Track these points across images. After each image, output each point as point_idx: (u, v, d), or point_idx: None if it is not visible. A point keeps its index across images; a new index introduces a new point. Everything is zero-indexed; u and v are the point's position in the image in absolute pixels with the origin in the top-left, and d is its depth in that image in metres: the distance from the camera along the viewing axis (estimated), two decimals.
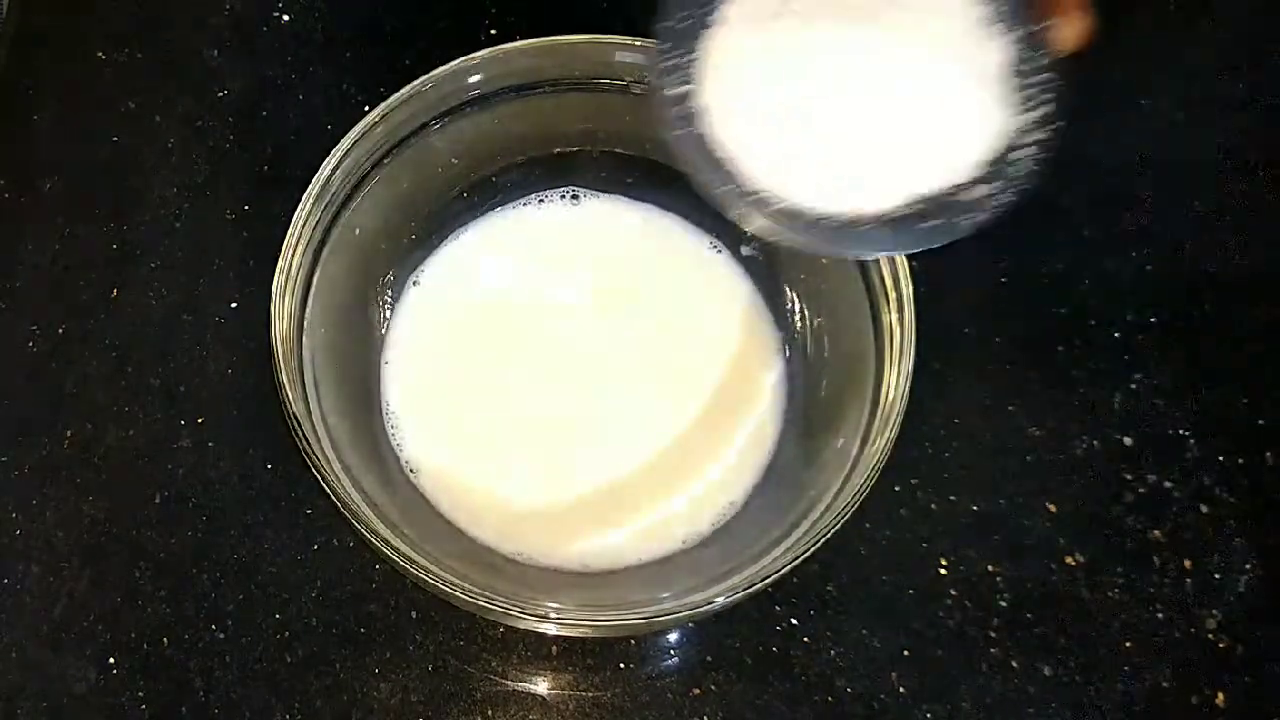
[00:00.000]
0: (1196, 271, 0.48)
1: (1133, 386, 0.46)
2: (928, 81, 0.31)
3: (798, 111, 0.31)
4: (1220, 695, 0.42)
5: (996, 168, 0.31)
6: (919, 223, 0.31)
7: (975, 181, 0.31)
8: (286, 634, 0.42)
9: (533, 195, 0.46)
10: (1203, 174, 0.50)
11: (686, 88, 0.32)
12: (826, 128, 0.31)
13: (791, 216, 0.32)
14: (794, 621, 0.43)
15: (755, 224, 0.32)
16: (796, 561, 0.35)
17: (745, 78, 0.31)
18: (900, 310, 0.38)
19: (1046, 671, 0.42)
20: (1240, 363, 0.47)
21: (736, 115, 0.31)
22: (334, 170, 0.40)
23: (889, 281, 0.39)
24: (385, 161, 0.41)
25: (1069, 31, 0.32)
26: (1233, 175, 0.50)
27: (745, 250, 0.44)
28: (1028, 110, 0.31)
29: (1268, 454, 0.45)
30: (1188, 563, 0.43)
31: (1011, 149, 0.31)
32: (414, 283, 0.45)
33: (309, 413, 0.37)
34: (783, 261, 0.45)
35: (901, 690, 0.42)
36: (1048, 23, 0.32)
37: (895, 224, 0.31)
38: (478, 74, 0.41)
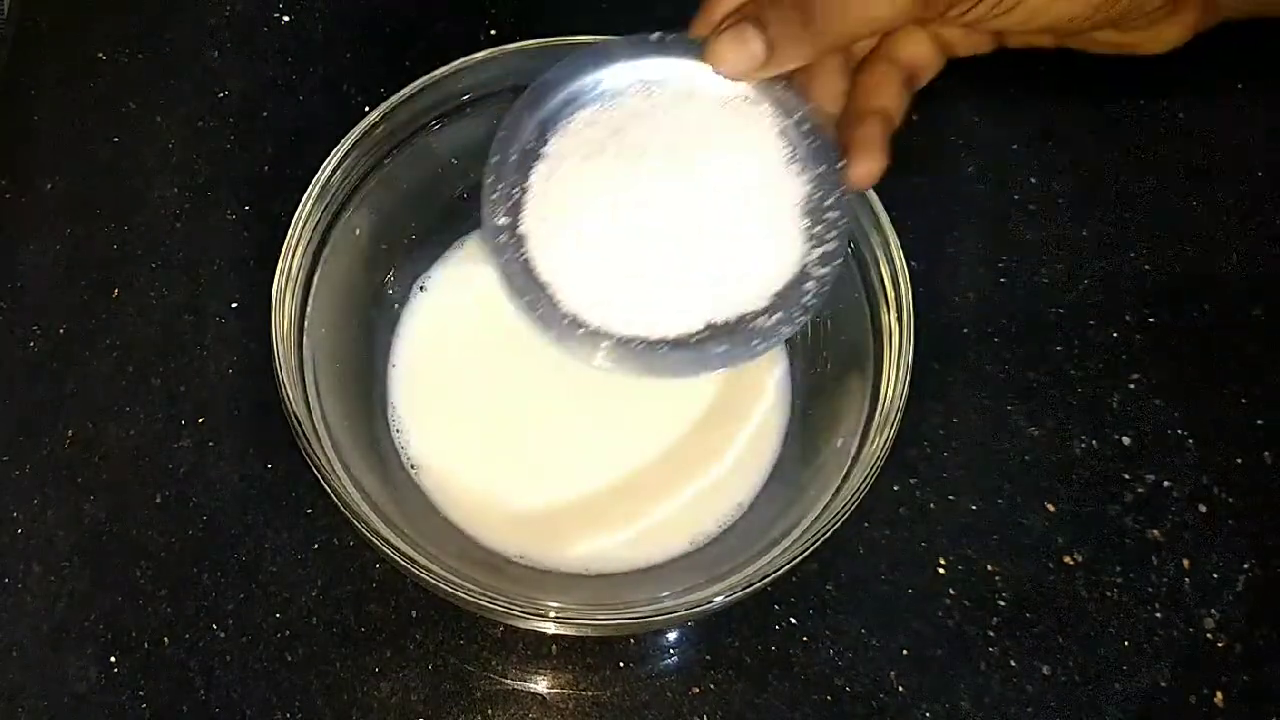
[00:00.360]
0: (1196, 271, 0.48)
1: (1131, 386, 0.46)
2: (731, 218, 0.33)
3: (609, 241, 0.33)
4: (1219, 695, 0.42)
5: (785, 298, 0.34)
6: (715, 348, 0.34)
7: (767, 310, 0.34)
8: (286, 634, 0.43)
9: None
10: (1202, 173, 0.50)
11: (510, 218, 0.34)
12: (635, 258, 0.33)
13: (601, 339, 0.34)
14: (793, 621, 0.43)
15: (569, 346, 0.34)
16: (795, 561, 0.35)
17: (563, 209, 0.34)
18: (899, 310, 0.38)
19: (1045, 671, 0.42)
20: (1240, 363, 0.47)
21: (554, 243, 0.34)
22: (334, 170, 0.40)
23: (888, 282, 0.39)
24: (385, 161, 0.42)
25: (862, 170, 0.34)
26: (1232, 175, 0.50)
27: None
28: (817, 246, 0.34)
29: (1267, 454, 0.45)
30: (1186, 562, 0.44)
31: (799, 281, 0.34)
32: (420, 287, 0.46)
33: (309, 413, 0.37)
34: None
35: (901, 689, 0.42)
36: (842, 163, 0.34)
37: (694, 348, 0.34)
38: (478, 74, 0.41)
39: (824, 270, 0.34)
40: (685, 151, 0.33)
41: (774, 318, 0.34)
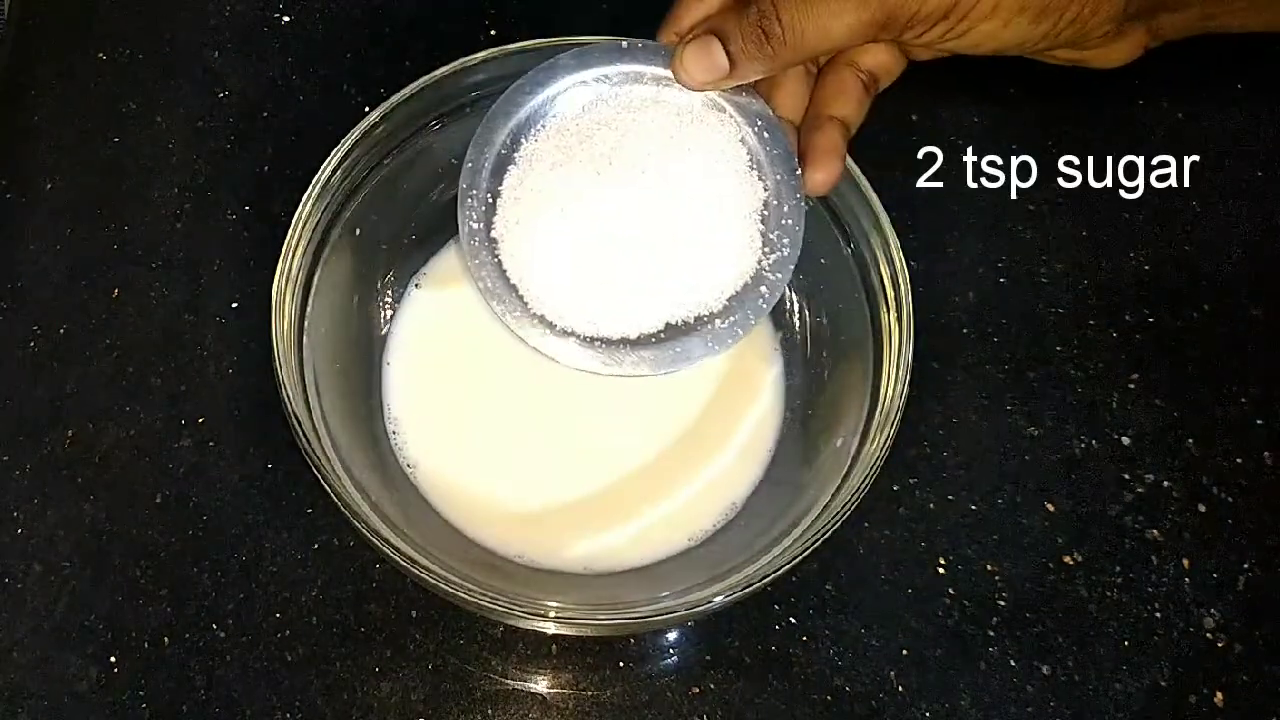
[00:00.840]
0: (1196, 271, 0.48)
1: (1131, 386, 0.46)
2: (692, 224, 0.35)
3: (576, 246, 0.35)
4: (1218, 694, 0.42)
5: (740, 301, 0.36)
6: (674, 347, 0.36)
7: (722, 313, 0.36)
8: (287, 633, 0.43)
9: None
10: (1202, 173, 0.50)
11: (483, 222, 0.36)
12: (600, 262, 0.35)
13: (567, 338, 0.36)
14: (793, 621, 0.43)
15: (537, 345, 0.36)
16: (795, 561, 0.35)
17: (532, 214, 0.36)
18: (899, 310, 0.38)
19: (1045, 670, 0.42)
20: (1239, 363, 0.47)
21: (523, 247, 0.36)
22: (334, 170, 0.40)
23: (888, 282, 0.39)
24: (385, 161, 0.42)
25: (819, 177, 0.35)
26: (1232, 174, 0.50)
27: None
28: (772, 251, 0.36)
29: (1266, 454, 0.45)
30: (1186, 562, 0.44)
31: (755, 285, 0.36)
32: (415, 285, 0.46)
33: (309, 413, 0.37)
34: None
35: (900, 689, 0.42)
36: (799, 171, 0.36)
37: (653, 348, 0.36)
38: (478, 74, 0.41)
39: (778, 275, 0.36)
40: (650, 159, 0.35)
41: (729, 320, 0.36)
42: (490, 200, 0.36)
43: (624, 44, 0.36)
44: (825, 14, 0.33)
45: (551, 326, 0.36)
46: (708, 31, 0.34)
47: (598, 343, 0.36)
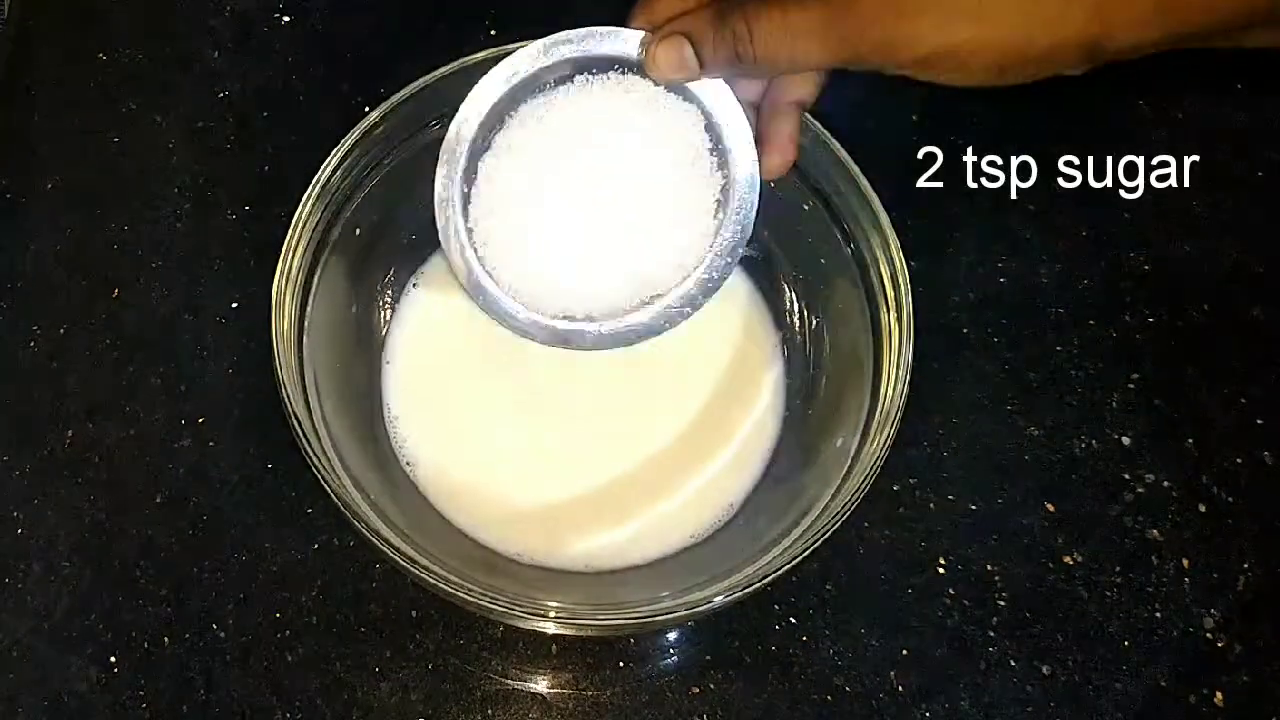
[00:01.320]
0: (1196, 271, 0.48)
1: (1131, 386, 0.46)
2: (655, 208, 0.37)
3: (545, 229, 0.37)
4: (1218, 694, 0.42)
5: (696, 281, 0.38)
6: (635, 325, 0.38)
7: (679, 291, 0.38)
8: (286, 634, 0.43)
9: None
10: (1202, 173, 0.50)
11: (459, 205, 0.37)
12: (567, 243, 0.37)
13: (536, 316, 0.38)
14: (793, 620, 0.43)
15: (510, 324, 0.38)
16: (795, 561, 0.35)
17: (505, 198, 0.37)
18: (899, 310, 0.38)
19: (1045, 670, 0.42)
20: (1240, 362, 0.47)
21: (496, 231, 0.37)
22: (334, 170, 0.40)
23: (888, 282, 0.39)
24: (385, 161, 0.42)
25: (774, 162, 0.37)
26: (1232, 175, 0.50)
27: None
28: (727, 233, 0.37)
29: (1266, 454, 0.45)
30: (1186, 562, 0.44)
31: (711, 265, 0.37)
32: (414, 284, 0.46)
33: (309, 413, 0.37)
34: (782, 262, 0.45)
35: (900, 689, 0.42)
36: (757, 156, 0.37)
37: (615, 324, 0.38)
38: (477, 74, 0.41)
39: (732, 255, 0.37)
40: (618, 146, 0.37)
41: (685, 298, 0.38)
42: (465, 189, 0.37)
43: (600, 31, 0.37)
44: (797, 50, 0.34)
45: (522, 306, 0.38)
46: (681, 33, 0.35)
47: (564, 320, 0.38)
